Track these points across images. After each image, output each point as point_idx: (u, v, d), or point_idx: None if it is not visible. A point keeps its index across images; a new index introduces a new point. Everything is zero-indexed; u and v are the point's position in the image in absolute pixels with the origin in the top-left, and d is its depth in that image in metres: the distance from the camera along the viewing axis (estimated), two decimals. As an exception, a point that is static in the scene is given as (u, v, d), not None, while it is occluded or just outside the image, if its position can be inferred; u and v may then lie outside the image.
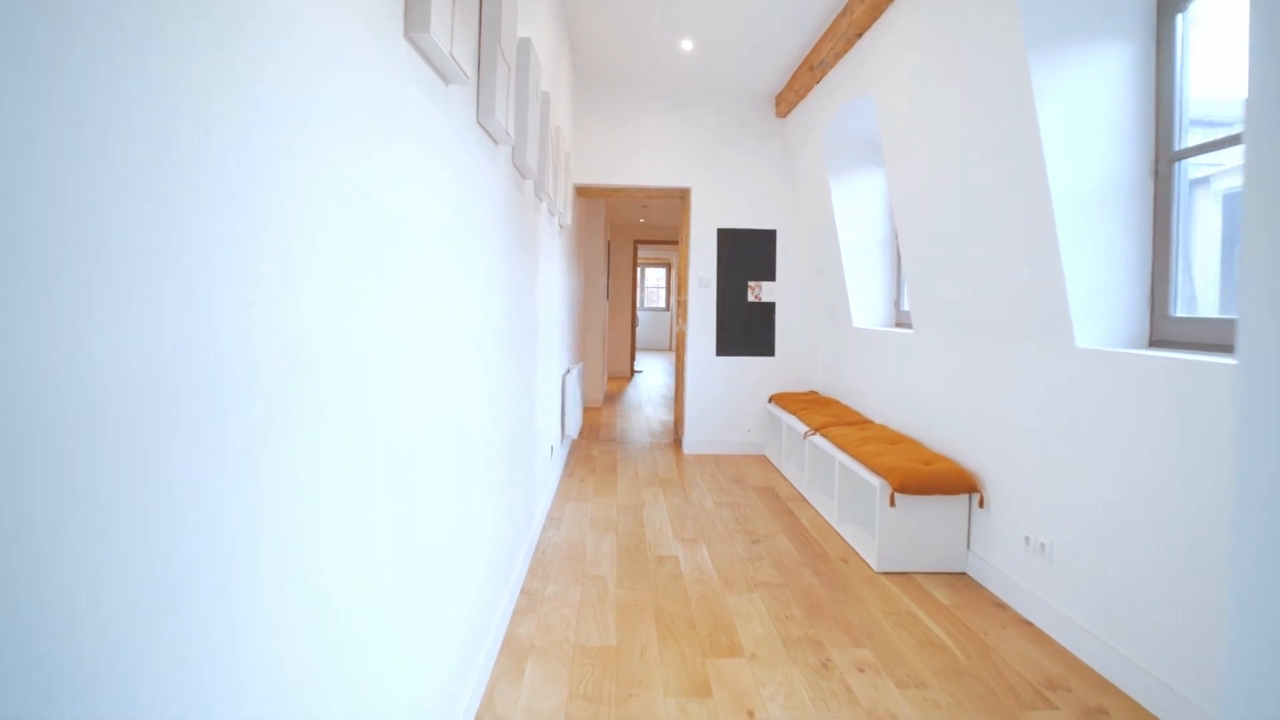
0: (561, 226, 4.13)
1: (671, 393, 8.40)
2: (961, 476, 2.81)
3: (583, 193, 5.22)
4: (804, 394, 4.90)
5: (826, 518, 3.54)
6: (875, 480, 2.89)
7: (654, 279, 15.84)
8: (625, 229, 9.89)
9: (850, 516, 3.39)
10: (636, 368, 10.99)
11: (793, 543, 3.19)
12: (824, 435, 3.69)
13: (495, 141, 1.96)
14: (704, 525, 3.42)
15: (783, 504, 3.82)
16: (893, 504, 2.79)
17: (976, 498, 2.81)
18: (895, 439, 3.36)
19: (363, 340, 1.01)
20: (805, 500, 3.90)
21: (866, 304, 4.35)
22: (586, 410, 6.97)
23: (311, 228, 0.83)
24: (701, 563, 2.91)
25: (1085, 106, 2.23)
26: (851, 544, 3.15)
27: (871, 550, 2.94)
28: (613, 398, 7.96)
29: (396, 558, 1.18)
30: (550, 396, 3.67)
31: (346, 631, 0.97)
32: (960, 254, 2.85)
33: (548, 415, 3.55)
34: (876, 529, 2.86)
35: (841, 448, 3.35)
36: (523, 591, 2.58)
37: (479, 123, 1.75)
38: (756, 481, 4.31)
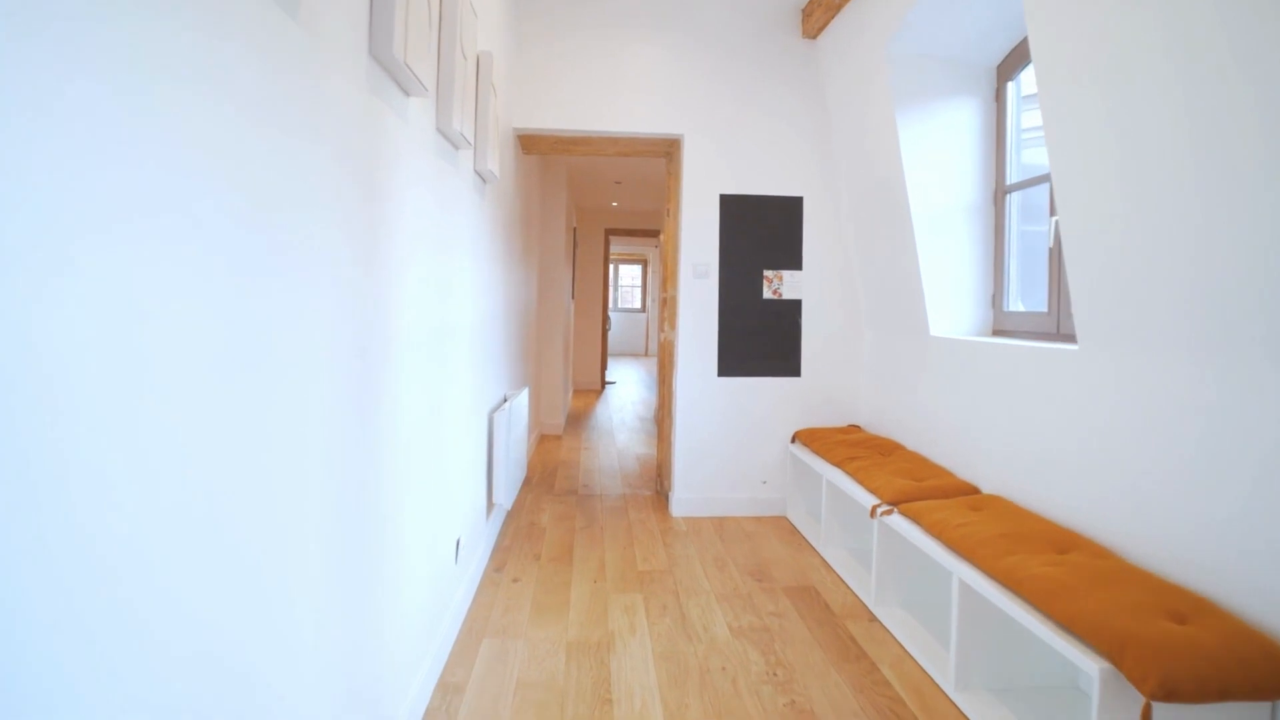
0: (484, 178, 2.59)
1: (650, 411, 6.87)
2: (1277, 662, 1.34)
3: (530, 145, 3.69)
4: (843, 430, 3.42)
5: (930, 671, 2.05)
6: (1093, 664, 1.40)
7: (628, 277, 14.31)
8: (594, 214, 8.35)
9: (981, 678, 1.90)
10: (608, 378, 9.45)
11: (892, 746, 1.70)
12: (915, 520, 2.21)
13: None
14: (720, 697, 1.90)
15: (840, 630, 2.32)
16: (1151, 731, 1.31)
17: (1313, 707, 1.35)
18: (1057, 538, 1.88)
19: None
20: (876, 620, 2.40)
21: (953, 302, 2.89)
22: (542, 440, 5.42)
23: None
24: (732, 834, 1.40)
25: None
26: (1006, 754, 1.66)
27: (1075, 799, 1.47)
28: (578, 419, 6.41)
29: None
30: (459, 464, 2.13)
31: None
32: (1255, 196, 1.38)
33: (447, 499, 2.01)
34: (1095, 765, 1.38)
35: (971, 560, 1.86)
36: None
37: None
38: (788, 575, 2.80)
